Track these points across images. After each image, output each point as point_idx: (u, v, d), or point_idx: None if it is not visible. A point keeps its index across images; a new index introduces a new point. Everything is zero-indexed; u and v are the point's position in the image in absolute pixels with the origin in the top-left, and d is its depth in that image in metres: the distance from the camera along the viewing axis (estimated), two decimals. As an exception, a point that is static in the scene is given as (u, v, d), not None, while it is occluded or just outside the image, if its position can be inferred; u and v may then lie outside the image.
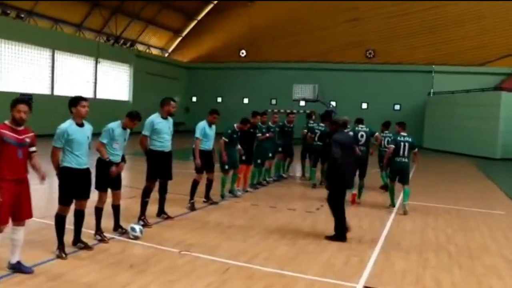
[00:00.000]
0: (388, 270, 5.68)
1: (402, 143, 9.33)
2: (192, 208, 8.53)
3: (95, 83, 28.68)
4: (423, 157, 22.31)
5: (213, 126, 8.76)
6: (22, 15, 23.82)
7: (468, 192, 12.61)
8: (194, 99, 39.49)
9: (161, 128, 7.29)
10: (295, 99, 28.81)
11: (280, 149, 12.58)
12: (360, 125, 11.01)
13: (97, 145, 6.23)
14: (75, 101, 5.62)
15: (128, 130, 6.55)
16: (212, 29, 39.12)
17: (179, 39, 40.83)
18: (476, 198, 11.51)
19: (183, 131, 26.67)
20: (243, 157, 10.11)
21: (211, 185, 8.99)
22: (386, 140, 11.49)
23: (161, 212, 7.79)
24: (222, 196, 9.65)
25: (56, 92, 25.30)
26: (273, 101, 36.09)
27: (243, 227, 7.53)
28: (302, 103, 31.94)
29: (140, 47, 36.25)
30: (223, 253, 6.05)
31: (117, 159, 6.42)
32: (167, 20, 36.97)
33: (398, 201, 9.80)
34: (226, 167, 9.46)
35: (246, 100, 37.41)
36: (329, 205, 7.03)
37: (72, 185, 5.56)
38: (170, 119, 7.49)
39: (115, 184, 6.47)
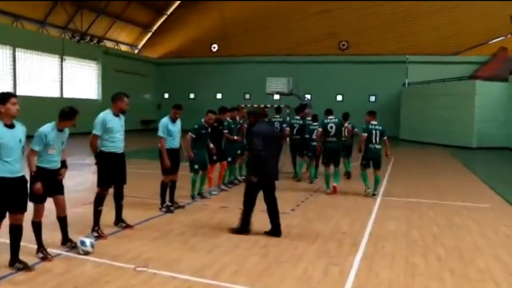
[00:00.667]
0: (372, 281, 4.99)
1: (374, 131, 9.67)
2: (169, 211, 7.92)
3: (61, 81, 27.30)
4: (400, 148, 22.05)
5: (178, 122, 8.04)
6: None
7: (449, 184, 12.09)
8: (166, 95, 38.48)
9: (113, 126, 6.44)
10: (269, 92, 28.12)
11: None
12: (330, 117, 10.85)
13: (27, 153, 5.26)
14: (3, 98, 4.73)
15: (67, 131, 5.69)
16: (183, 24, 38.12)
17: (149, 34, 39.66)
18: (458, 191, 10.98)
19: (154, 129, 25.57)
20: (214, 157, 9.34)
21: (174, 186, 8.23)
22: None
23: (118, 220, 6.93)
24: (193, 197, 8.93)
25: (19, 92, 23.88)
26: (247, 96, 35.38)
27: (210, 234, 6.72)
28: (277, 96, 31.33)
29: (109, 44, 34.94)
30: (185, 268, 5.25)
31: (55, 165, 5.59)
32: (136, 15, 35.76)
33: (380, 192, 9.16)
34: (196, 166, 8.78)
35: (219, 96, 36.62)
36: (244, 195, 6.80)
37: (4, 197, 4.73)
38: (122, 117, 6.65)
39: (56, 191, 5.61)
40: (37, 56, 25.34)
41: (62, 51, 27.00)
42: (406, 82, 30.67)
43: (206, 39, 37.38)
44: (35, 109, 22.89)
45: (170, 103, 8.96)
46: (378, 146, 9.68)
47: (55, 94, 26.42)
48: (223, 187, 10.16)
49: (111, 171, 6.47)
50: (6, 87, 23.32)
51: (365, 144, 9.73)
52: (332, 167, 10.34)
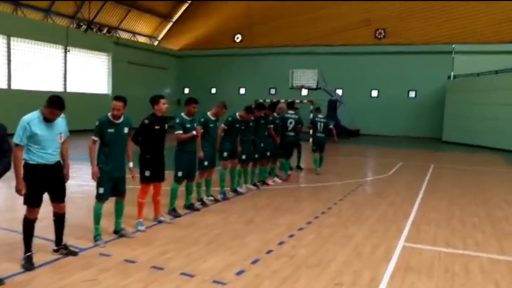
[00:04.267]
0: None
1: (318, 123, 12.56)
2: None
3: (65, 74, 25.68)
4: (441, 154, 19.24)
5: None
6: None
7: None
8: (186, 90, 36.71)
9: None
10: (293, 86, 25.76)
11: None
12: (290, 111, 11.34)
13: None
14: None
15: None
16: (204, 13, 36.19)
17: (169, 25, 37.85)
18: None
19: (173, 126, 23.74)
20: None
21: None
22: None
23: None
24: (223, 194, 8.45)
25: (14, 86, 22.36)
26: (272, 91, 33.13)
27: (184, 264, 4.58)
28: (305, 92, 28.95)
29: (125, 35, 33.29)
30: None
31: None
32: (153, 3, 33.98)
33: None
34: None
35: (242, 90, 34.54)
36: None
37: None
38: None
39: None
40: (37, 46, 23.71)
41: (66, 41, 25.35)
42: (452, 75, 27.48)
43: (229, 29, 35.33)
44: (33, 104, 21.32)
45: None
46: (321, 135, 12.54)
47: (58, 88, 24.79)
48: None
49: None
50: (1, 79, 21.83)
51: (312, 133, 12.60)
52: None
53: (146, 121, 6.39)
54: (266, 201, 8.53)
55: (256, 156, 9.67)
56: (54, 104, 4.77)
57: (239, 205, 8.15)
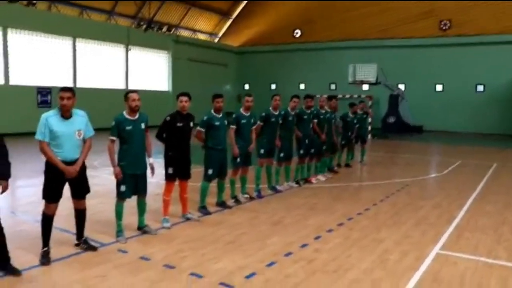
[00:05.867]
0: None
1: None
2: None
3: (127, 72, 26.66)
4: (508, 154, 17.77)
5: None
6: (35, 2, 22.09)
7: None
8: (246, 86, 36.90)
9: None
10: (352, 81, 25.02)
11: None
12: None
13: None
14: None
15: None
16: (264, 8, 36.12)
17: (229, 22, 38.16)
18: None
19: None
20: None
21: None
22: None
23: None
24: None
25: (79, 84, 23.51)
26: (332, 86, 32.44)
27: (196, 264, 4.45)
28: (366, 87, 28.05)
29: (185, 33, 34.00)
30: None
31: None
32: (213, 1, 34.38)
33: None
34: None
35: (302, 86, 34.12)
36: None
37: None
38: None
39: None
40: (100, 46, 24.78)
41: (127, 40, 26.28)
42: (526, 66, 25.44)
43: (288, 24, 35.03)
44: (98, 101, 22.51)
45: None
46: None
47: (120, 85, 25.78)
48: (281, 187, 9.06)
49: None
50: (67, 79, 23.02)
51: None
52: None
53: (168, 118, 6.36)
54: (302, 200, 8.26)
55: (302, 152, 9.42)
56: (61, 88, 4.94)
57: (273, 204, 7.95)
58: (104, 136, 5.89)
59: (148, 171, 5.90)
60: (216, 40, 38.25)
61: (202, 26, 36.27)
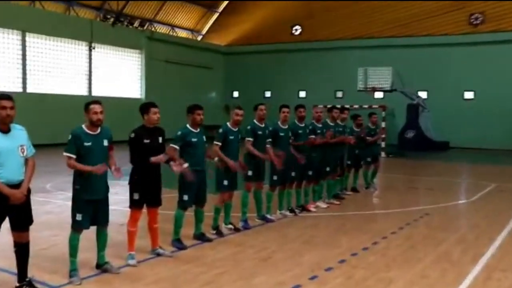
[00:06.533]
0: None
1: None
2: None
3: (90, 75, 26.81)
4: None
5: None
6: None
7: None
8: (235, 94, 37.22)
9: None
10: (362, 88, 25.36)
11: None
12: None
13: None
14: None
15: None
16: (256, 1, 36.46)
17: (215, 16, 38.58)
18: None
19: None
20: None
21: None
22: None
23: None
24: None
25: (29, 89, 23.61)
26: (339, 94, 32.92)
27: None
28: (379, 94, 28.37)
29: (162, 29, 34.34)
30: None
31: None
32: (194, -10, 34.93)
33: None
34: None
35: (302, 94, 34.54)
36: None
37: None
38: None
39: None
40: (55, 43, 24.99)
41: (90, 36, 26.48)
42: None
43: (286, 19, 35.51)
44: (47, 109, 22.57)
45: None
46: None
47: (81, 91, 25.95)
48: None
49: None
50: (14, 81, 23.09)
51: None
52: None
53: (133, 135, 6.45)
54: (297, 232, 8.36)
55: (294, 174, 9.53)
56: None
57: (262, 236, 8.04)
58: (56, 153, 5.96)
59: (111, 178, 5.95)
60: (199, 38, 38.62)
61: (182, 21, 36.66)
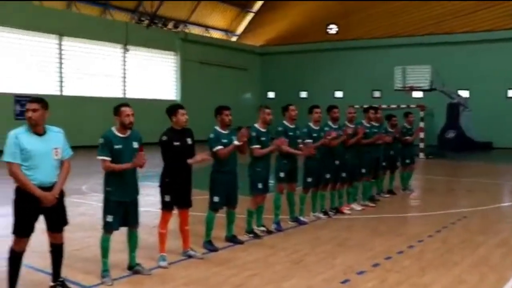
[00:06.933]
0: None
1: None
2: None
3: (124, 77, 27.29)
4: None
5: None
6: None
7: None
8: (270, 94, 37.29)
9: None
10: (400, 88, 25.05)
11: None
12: None
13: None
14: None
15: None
16: (292, 1, 36.41)
17: (249, 16, 38.69)
18: None
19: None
20: None
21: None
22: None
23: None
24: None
25: (66, 92, 24.18)
26: (376, 93, 32.58)
27: None
28: (418, 94, 27.94)
29: (196, 30, 34.64)
30: None
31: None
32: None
33: None
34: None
35: (339, 94, 34.39)
36: None
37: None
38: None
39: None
40: (91, 46, 25.55)
41: (125, 39, 26.93)
42: None
43: (321, 18, 35.36)
44: (90, 111, 23.15)
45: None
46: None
47: (116, 93, 26.41)
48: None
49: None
50: (51, 84, 23.70)
51: None
52: None
53: (165, 138, 6.53)
54: (330, 234, 8.32)
55: (328, 176, 9.50)
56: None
57: (294, 238, 8.04)
58: (91, 155, 6.10)
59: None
60: (233, 38, 38.77)
61: (215, 21, 36.86)
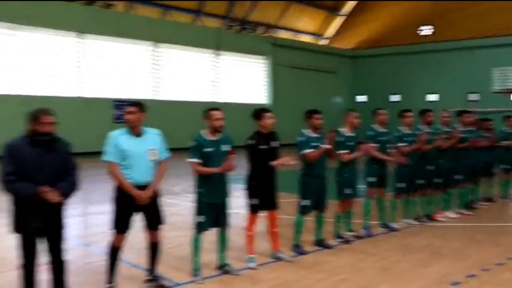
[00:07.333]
0: None
1: None
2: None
3: (215, 82, 28.02)
4: None
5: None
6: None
7: None
8: (360, 98, 36.79)
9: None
10: (497, 90, 23.91)
11: None
12: None
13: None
14: None
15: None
16: (381, 2, 35.82)
17: (338, 19, 38.42)
18: None
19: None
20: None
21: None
22: None
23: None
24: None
25: (161, 96, 25.13)
26: (472, 96, 31.18)
27: None
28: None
29: (285, 34, 34.87)
30: None
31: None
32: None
33: None
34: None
35: (433, 97, 33.32)
36: None
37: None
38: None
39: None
40: (184, 52, 26.42)
41: (217, 44, 27.60)
42: None
43: (415, 20, 34.49)
44: (179, 115, 23.95)
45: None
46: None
47: (207, 97, 27.10)
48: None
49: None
50: (147, 89, 24.74)
51: None
52: None
53: (253, 142, 6.62)
54: (422, 241, 8.07)
55: (421, 182, 9.25)
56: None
57: (384, 244, 7.87)
58: (185, 157, 6.31)
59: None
60: (323, 42, 38.64)
61: (304, 25, 36.91)
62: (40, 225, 4.66)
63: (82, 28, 22.77)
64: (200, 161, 6.02)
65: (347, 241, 7.88)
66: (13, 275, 5.27)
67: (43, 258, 4.88)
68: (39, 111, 4.72)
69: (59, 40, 22.47)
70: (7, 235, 5.03)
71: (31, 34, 21.96)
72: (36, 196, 4.52)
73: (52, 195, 4.56)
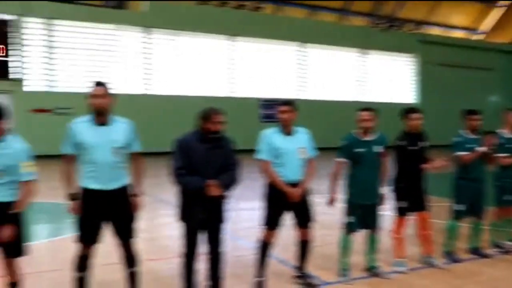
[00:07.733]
0: None
1: None
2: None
3: (361, 81, 27.74)
4: None
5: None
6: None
7: None
8: (516, 97, 34.19)
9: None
10: None
11: None
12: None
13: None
14: None
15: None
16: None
17: (495, 11, 35.86)
18: None
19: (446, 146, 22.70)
20: None
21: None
22: None
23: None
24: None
25: (307, 96, 25.40)
26: None
27: None
28: None
29: (435, 30, 33.43)
30: None
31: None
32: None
33: None
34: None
35: None
36: None
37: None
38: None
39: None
40: (330, 51, 26.53)
41: (363, 43, 27.22)
42: None
43: None
44: (327, 116, 24.04)
45: None
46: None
47: (353, 97, 26.94)
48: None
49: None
50: (294, 89, 25.10)
51: None
52: None
53: (404, 143, 6.43)
54: None
55: None
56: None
57: (551, 257, 7.21)
58: (330, 157, 6.33)
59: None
60: (476, 37, 36.38)
61: (457, 20, 35.00)
62: (204, 216, 4.95)
63: (234, 31, 23.78)
64: (347, 160, 6.03)
65: (506, 252, 7.34)
66: (175, 262, 5.61)
67: (202, 249, 5.14)
68: (211, 110, 4.97)
69: (213, 43, 23.60)
70: (170, 226, 5.39)
71: (188, 38, 23.39)
72: (203, 190, 4.82)
73: (215, 190, 4.84)
